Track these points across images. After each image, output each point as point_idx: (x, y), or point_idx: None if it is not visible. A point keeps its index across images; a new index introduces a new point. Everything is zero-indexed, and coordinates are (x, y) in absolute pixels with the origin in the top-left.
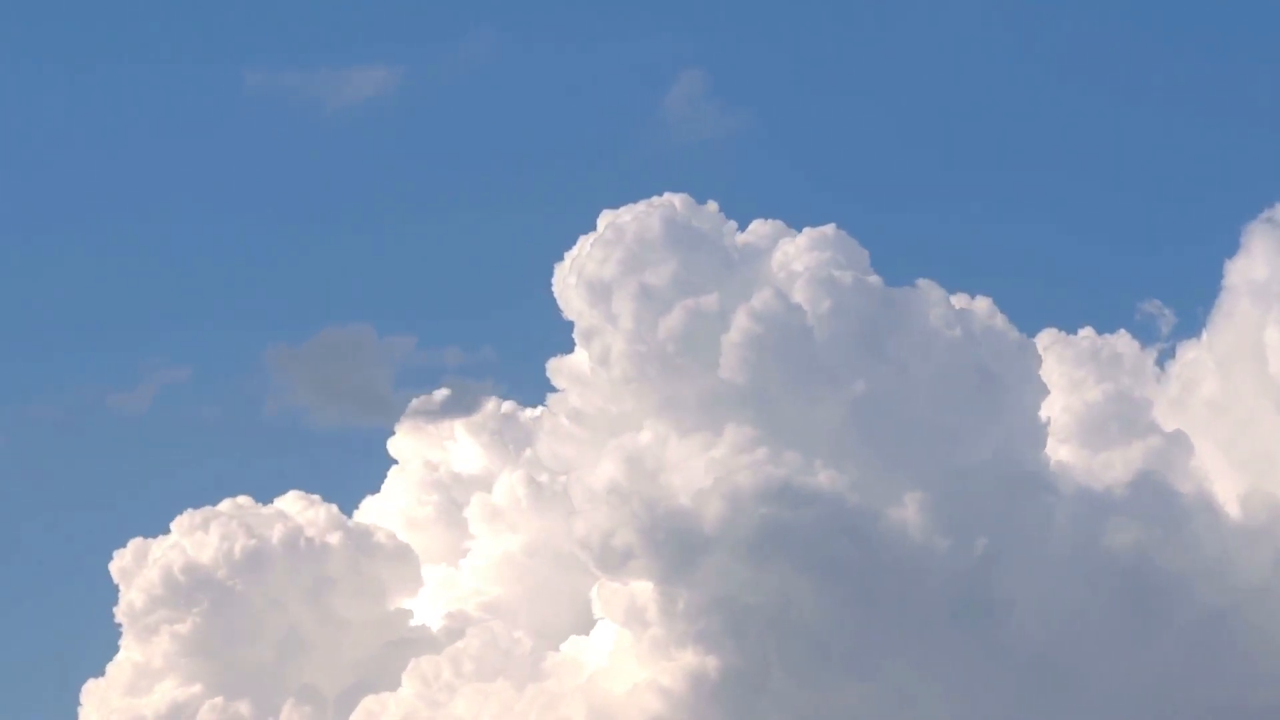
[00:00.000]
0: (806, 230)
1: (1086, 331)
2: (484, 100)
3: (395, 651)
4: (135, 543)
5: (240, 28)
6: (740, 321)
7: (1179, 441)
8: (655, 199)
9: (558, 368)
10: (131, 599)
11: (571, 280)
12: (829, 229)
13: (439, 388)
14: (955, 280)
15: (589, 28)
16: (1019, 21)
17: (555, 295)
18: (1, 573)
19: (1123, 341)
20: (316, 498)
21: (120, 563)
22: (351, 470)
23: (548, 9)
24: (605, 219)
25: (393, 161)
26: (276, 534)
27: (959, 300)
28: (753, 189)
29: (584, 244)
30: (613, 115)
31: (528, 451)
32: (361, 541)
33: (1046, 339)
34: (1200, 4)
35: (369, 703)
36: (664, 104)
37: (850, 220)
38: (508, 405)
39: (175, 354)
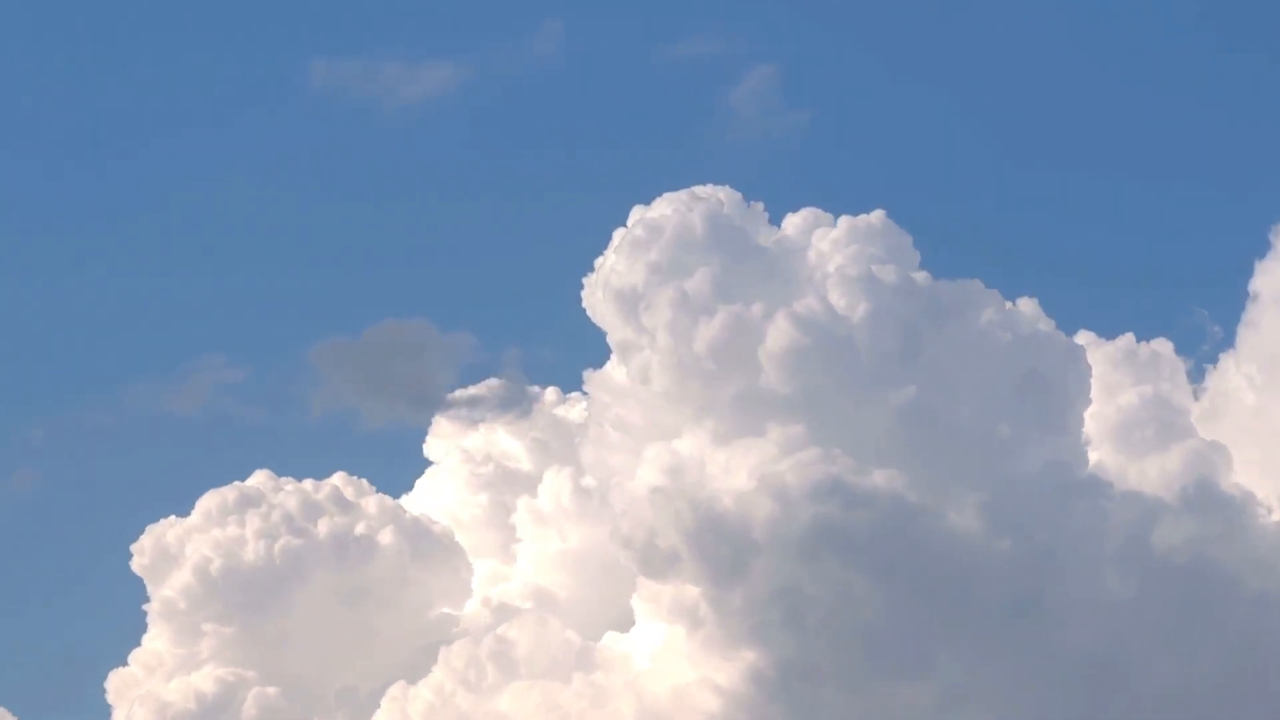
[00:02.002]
0: (850, 219)
1: (1126, 337)
2: (549, 95)
3: (439, 644)
4: (173, 529)
5: (310, 20)
6: (781, 328)
7: (1217, 448)
8: (682, 193)
9: (595, 379)
10: (182, 581)
11: (599, 294)
12: (875, 217)
13: (492, 385)
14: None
15: (656, 22)
16: (1071, 25)
17: (585, 309)
18: (57, 573)
19: (1160, 346)
20: (364, 481)
21: (159, 548)
22: (401, 465)
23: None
24: (636, 214)
25: (457, 157)
26: (323, 526)
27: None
28: (810, 187)
29: (609, 255)
30: (679, 112)
31: (575, 453)
32: (410, 533)
33: (1082, 340)
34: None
35: (397, 690)
36: (731, 99)
37: (901, 218)
38: (559, 407)
39: (228, 351)
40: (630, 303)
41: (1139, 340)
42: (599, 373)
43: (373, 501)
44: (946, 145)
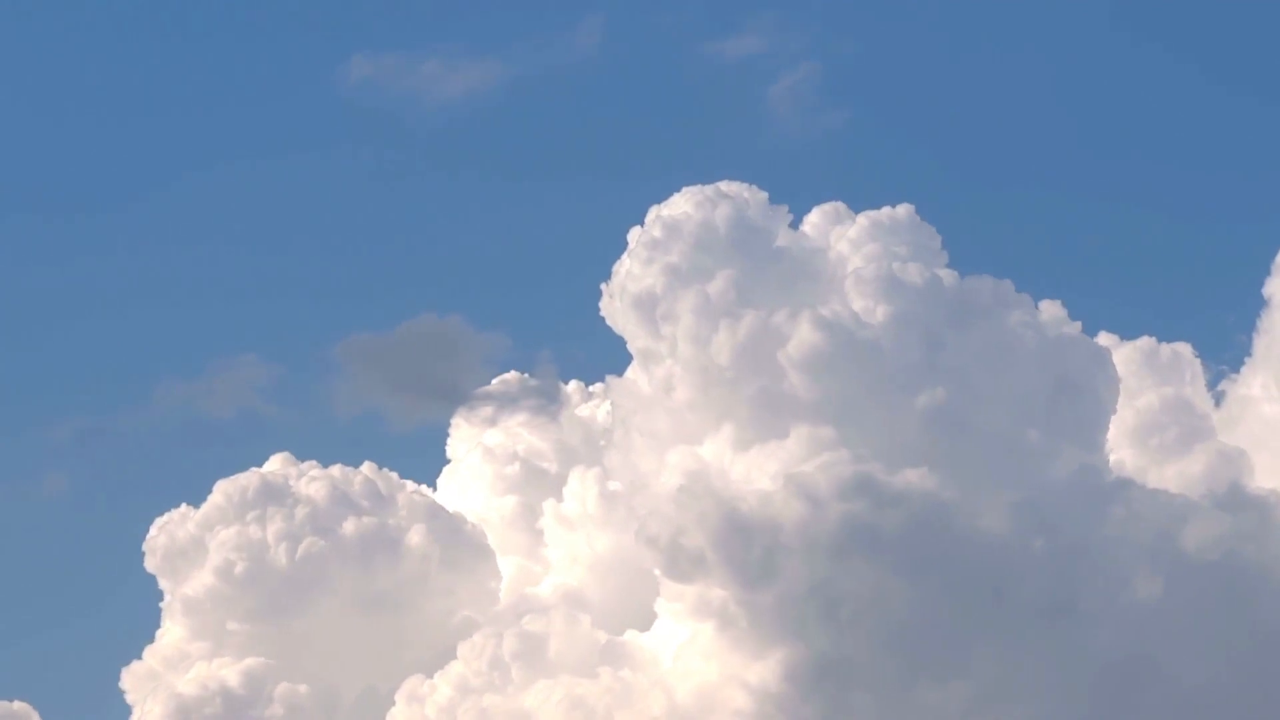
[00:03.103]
0: (875, 214)
1: (1146, 339)
2: (588, 92)
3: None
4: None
5: (350, 14)
6: (806, 332)
7: (1238, 452)
8: (698, 190)
9: (618, 386)
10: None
11: (618, 302)
12: (903, 211)
13: (518, 381)
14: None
15: (697, 20)
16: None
17: (604, 316)
18: (99, 578)
19: (1180, 349)
20: (394, 475)
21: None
22: (430, 463)
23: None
24: (652, 214)
25: (494, 153)
26: (352, 522)
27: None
28: (842, 187)
29: (625, 261)
30: (717, 110)
31: (600, 453)
32: (440, 532)
33: (1104, 341)
34: None
35: (414, 685)
36: (769, 98)
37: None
38: (584, 405)
39: (260, 351)
40: (649, 310)
41: (1158, 342)
42: (622, 379)
43: (403, 495)
44: (980, 145)
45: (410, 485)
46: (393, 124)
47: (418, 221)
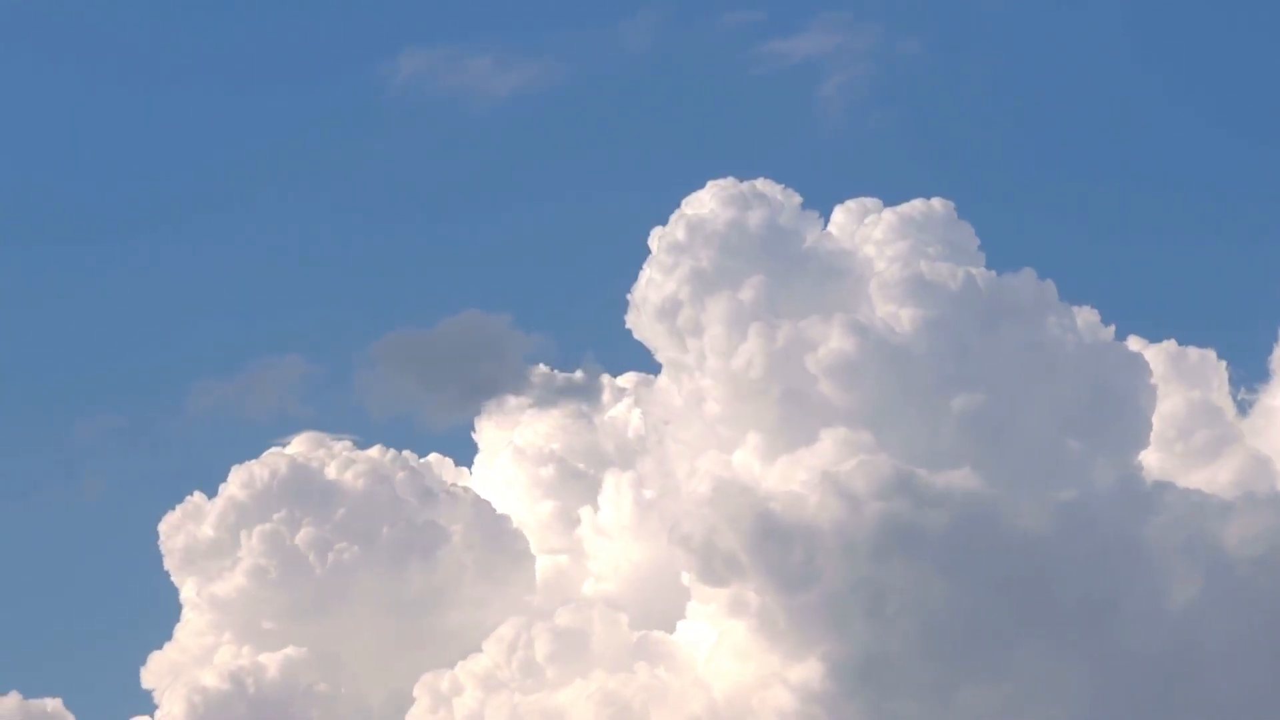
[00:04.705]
0: (907, 208)
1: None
2: (637, 91)
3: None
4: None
5: (401, 9)
6: (838, 338)
7: (1263, 457)
8: (715, 188)
9: (649, 396)
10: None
11: (644, 316)
12: (937, 204)
13: (567, 382)
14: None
15: (747, 19)
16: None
17: (630, 328)
18: (137, 580)
19: (1205, 353)
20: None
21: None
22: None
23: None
24: (675, 215)
25: (541, 151)
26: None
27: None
28: (881, 188)
29: (648, 269)
30: (766, 109)
31: (633, 456)
32: (476, 523)
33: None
34: None
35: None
36: (818, 97)
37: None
38: (619, 404)
39: (302, 351)
40: (675, 320)
41: (1180, 345)
42: (653, 388)
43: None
44: (1025, 148)
45: (448, 477)
46: (442, 119)
47: (463, 218)
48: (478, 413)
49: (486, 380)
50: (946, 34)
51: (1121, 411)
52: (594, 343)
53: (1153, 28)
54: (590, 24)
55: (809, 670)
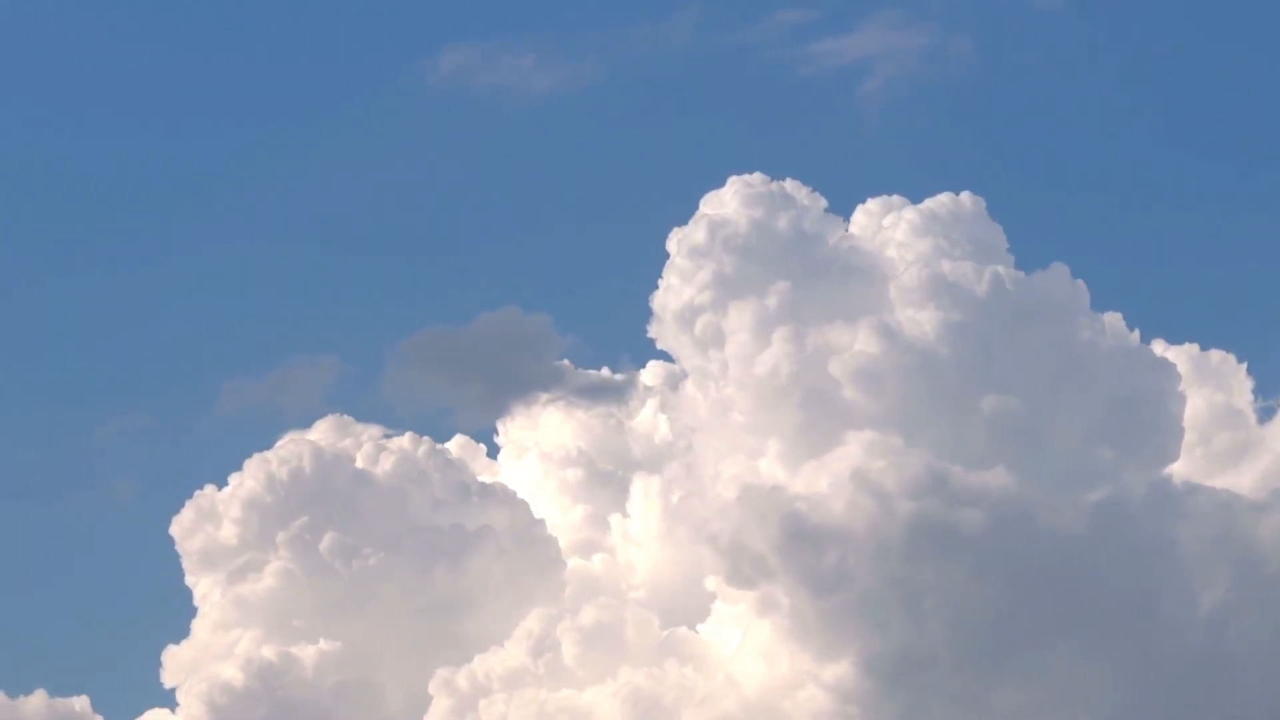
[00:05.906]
0: (935, 203)
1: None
2: (679, 88)
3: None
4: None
5: (442, 5)
6: (864, 342)
7: None
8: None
9: (674, 403)
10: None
11: (668, 323)
12: (966, 198)
13: (599, 381)
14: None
15: (789, 19)
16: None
17: (653, 336)
18: (161, 579)
19: (1227, 357)
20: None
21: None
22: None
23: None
24: (697, 214)
25: (582, 148)
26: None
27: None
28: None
29: (668, 276)
30: (806, 109)
31: (664, 460)
32: (504, 521)
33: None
34: None
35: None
36: (857, 97)
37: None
38: (645, 411)
39: (338, 350)
40: (696, 327)
41: (1202, 349)
42: (679, 395)
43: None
44: (1062, 151)
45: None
46: (482, 115)
47: (501, 217)
48: (507, 412)
49: (518, 379)
50: (999, 34)
51: (1155, 419)
52: (628, 345)
53: (1200, 39)
54: (635, 22)
55: (842, 670)
